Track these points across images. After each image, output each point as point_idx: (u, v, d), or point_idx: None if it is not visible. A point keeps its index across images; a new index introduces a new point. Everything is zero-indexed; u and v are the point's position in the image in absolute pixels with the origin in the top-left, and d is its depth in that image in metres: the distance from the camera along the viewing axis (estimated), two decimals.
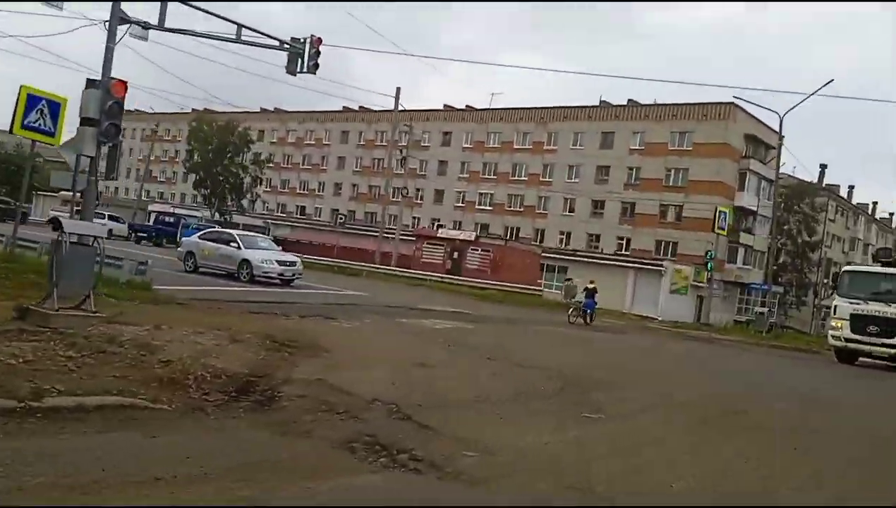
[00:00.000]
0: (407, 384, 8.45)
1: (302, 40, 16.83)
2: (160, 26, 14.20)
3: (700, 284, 46.26)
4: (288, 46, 16.76)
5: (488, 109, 65.63)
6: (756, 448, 7.15)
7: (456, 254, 38.80)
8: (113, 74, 13.01)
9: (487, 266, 37.41)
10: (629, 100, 58.00)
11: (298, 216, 74.22)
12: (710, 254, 33.08)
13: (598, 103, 59.90)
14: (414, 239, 43.27)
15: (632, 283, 48.68)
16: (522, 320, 22.39)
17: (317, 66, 16.85)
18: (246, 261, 21.20)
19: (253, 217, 72.79)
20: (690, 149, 53.53)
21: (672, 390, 10.68)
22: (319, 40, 16.79)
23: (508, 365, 11.21)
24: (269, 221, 70.58)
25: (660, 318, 40.58)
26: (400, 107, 49.61)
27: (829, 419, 9.84)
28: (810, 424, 9.11)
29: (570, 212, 59.58)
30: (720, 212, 26.86)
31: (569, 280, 29.88)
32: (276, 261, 21.51)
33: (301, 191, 77.35)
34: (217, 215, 56.61)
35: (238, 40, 15.77)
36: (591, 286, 26.44)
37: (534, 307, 30.26)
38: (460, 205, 65.80)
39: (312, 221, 69.94)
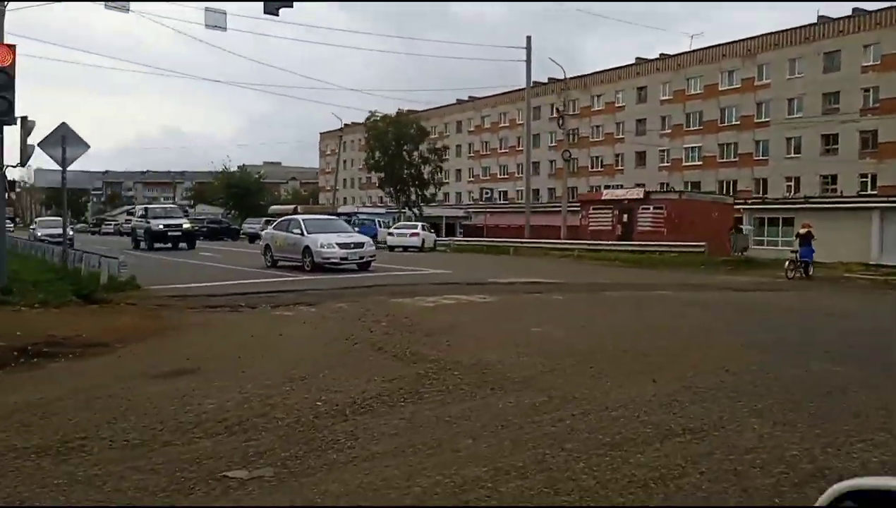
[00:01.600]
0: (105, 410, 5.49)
1: None
2: None
3: None
4: None
5: (685, 53, 57.96)
6: None
7: (626, 217, 33.68)
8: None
9: (661, 226, 31.84)
10: (854, 10, 47.15)
11: (500, 201, 72.29)
12: None
13: (815, 21, 49.61)
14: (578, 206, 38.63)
15: (877, 228, 39.06)
16: (632, 286, 17.67)
17: None
18: (307, 248, 19.23)
19: (455, 207, 72.54)
20: None
21: (613, 386, 6.30)
22: None
23: (389, 357, 7.65)
24: (471, 210, 69.78)
25: None
26: (571, 74, 45.40)
27: None
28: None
29: (795, 153, 50.31)
30: None
31: (737, 230, 24.01)
32: (338, 245, 19.13)
33: (501, 176, 75.24)
34: (408, 210, 56.38)
35: None
36: (803, 231, 21.58)
37: (693, 268, 24.36)
38: (665, 164, 59.02)
39: (514, 204, 67.42)
